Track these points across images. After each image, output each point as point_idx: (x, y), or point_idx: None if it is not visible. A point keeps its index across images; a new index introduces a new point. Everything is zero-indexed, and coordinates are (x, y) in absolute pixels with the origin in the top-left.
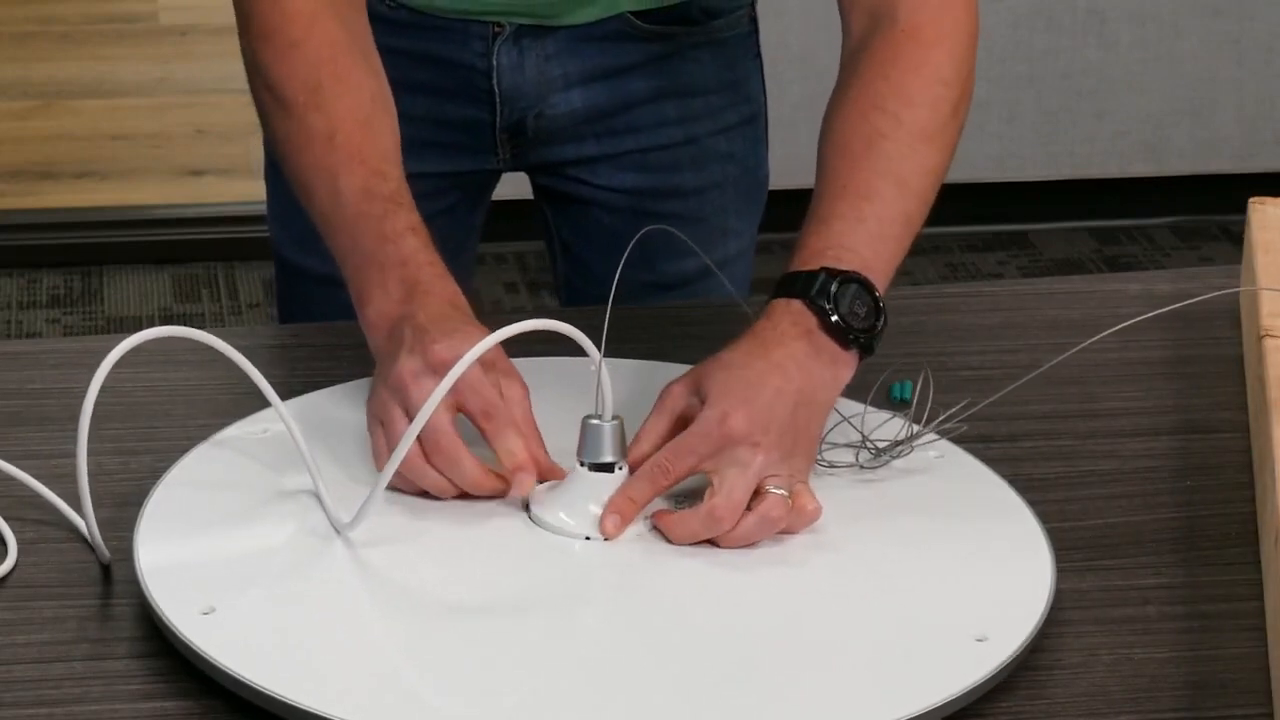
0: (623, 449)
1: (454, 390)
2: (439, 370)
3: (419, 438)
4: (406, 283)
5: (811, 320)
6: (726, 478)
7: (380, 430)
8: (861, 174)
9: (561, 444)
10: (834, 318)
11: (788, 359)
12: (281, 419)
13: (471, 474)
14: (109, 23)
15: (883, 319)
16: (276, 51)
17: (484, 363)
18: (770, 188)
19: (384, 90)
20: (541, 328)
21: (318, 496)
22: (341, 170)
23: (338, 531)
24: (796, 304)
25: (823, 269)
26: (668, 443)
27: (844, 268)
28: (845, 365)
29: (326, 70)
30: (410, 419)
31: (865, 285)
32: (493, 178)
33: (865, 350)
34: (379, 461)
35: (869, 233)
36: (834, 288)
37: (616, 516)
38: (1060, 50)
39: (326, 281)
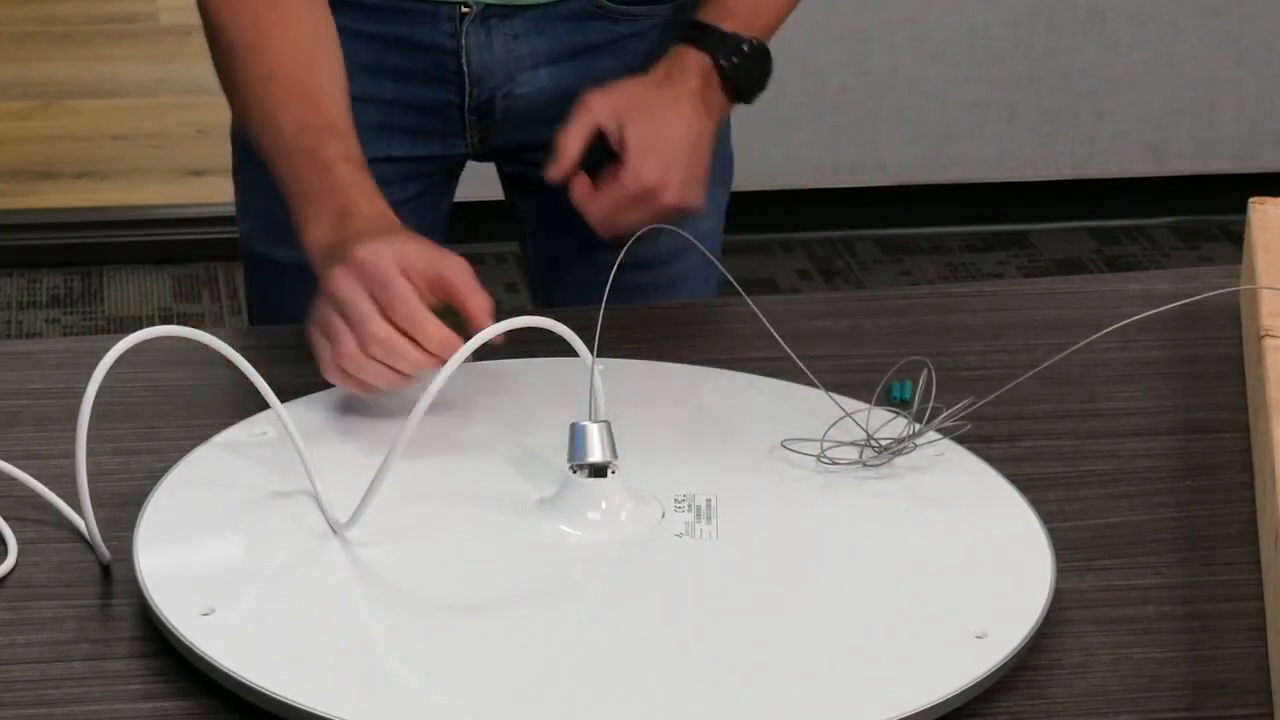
0: (613, 451)
1: (366, 283)
2: (357, 269)
3: (379, 300)
4: (337, 209)
5: (715, 77)
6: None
7: (323, 340)
8: None
9: (559, 442)
10: (730, 70)
11: (695, 114)
12: (279, 419)
13: (434, 331)
14: (109, 23)
15: (768, 82)
16: None
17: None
18: (770, 188)
19: (325, 29)
20: (531, 324)
21: (314, 497)
22: (280, 108)
23: (335, 532)
24: (706, 59)
25: (736, 34)
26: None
27: (751, 35)
28: (723, 112)
29: (265, 11)
30: (343, 318)
31: (765, 55)
32: (460, 164)
33: (746, 102)
34: (324, 368)
35: (775, 6)
36: (745, 50)
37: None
38: (1060, 50)
39: (295, 271)
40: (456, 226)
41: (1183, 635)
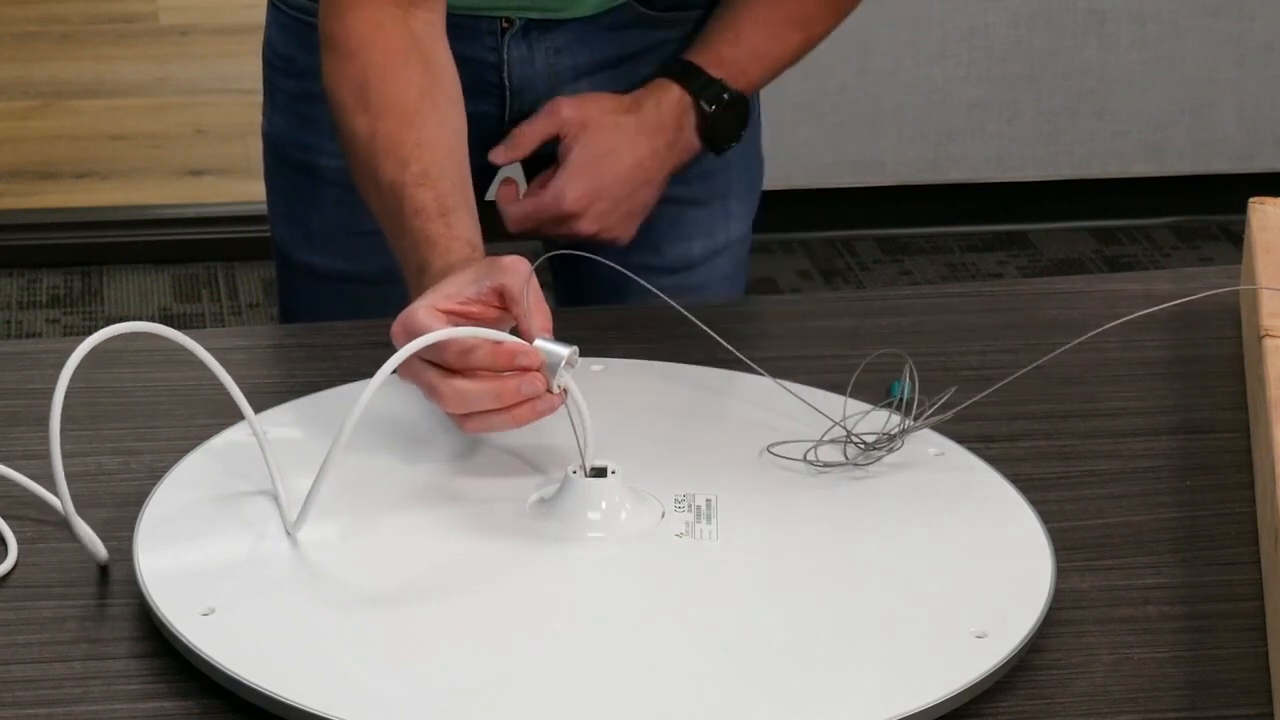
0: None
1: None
2: (400, 342)
3: (438, 361)
4: (415, 272)
5: (692, 117)
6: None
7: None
8: (773, 47)
9: (559, 442)
10: (709, 115)
11: (652, 152)
12: (250, 426)
13: (492, 349)
14: (109, 23)
15: (743, 135)
16: (335, 61)
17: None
18: (770, 188)
19: (437, 86)
20: (464, 335)
21: (274, 496)
22: (379, 167)
23: (287, 532)
24: (688, 99)
25: (721, 81)
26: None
27: (737, 88)
28: (689, 156)
29: (374, 74)
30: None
31: (745, 107)
32: (493, 172)
33: (716, 151)
34: (461, 421)
35: (763, 68)
36: (725, 98)
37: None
38: (1060, 50)
39: (331, 278)
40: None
41: (1183, 635)
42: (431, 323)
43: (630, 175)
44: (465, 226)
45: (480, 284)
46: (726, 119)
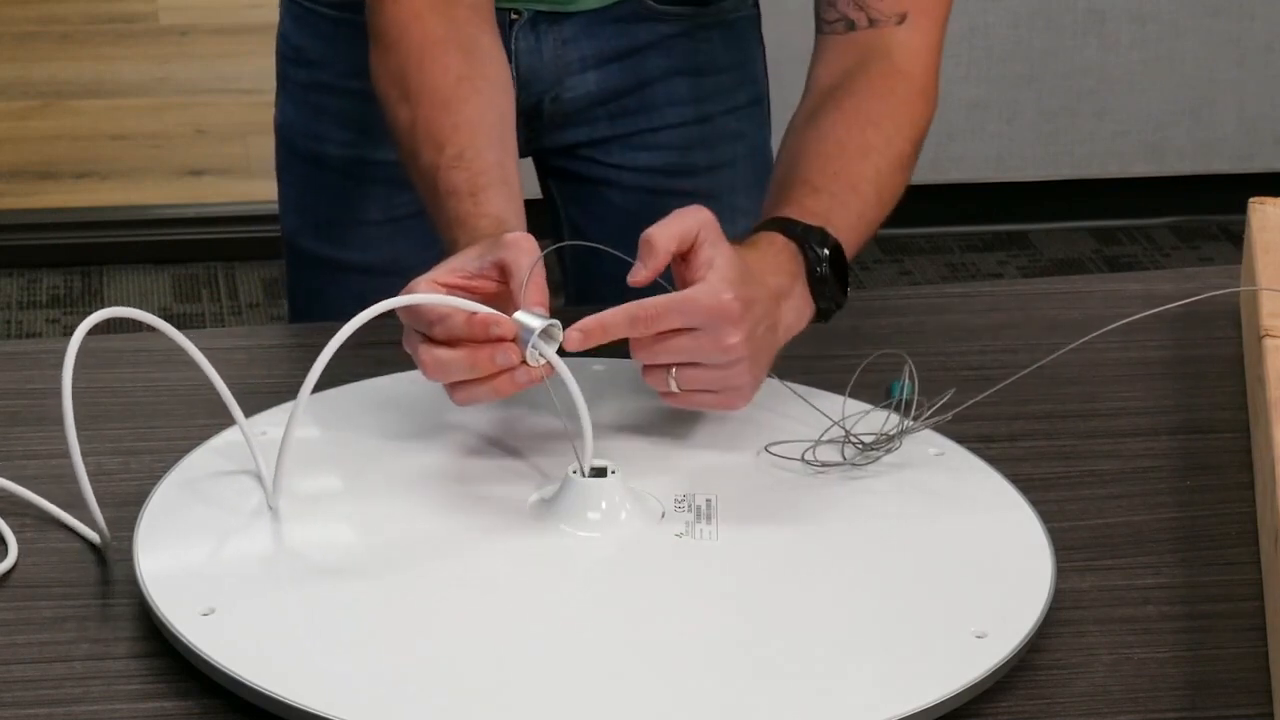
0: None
1: (411, 325)
2: (400, 314)
3: (421, 331)
4: (450, 251)
5: (801, 268)
6: (709, 330)
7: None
8: (853, 171)
9: (559, 442)
10: (820, 269)
11: (778, 289)
12: (240, 429)
13: (468, 319)
14: (109, 23)
15: (845, 299)
16: (379, 54)
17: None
18: None
19: (477, 70)
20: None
21: (258, 476)
22: (419, 153)
23: (270, 506)
24: (793, 246)
25: (823, 228)
26: (662, 297)
27: (835, 238)
28: (806, 318)
29: (412, 63)
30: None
31: (843, 264)
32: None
33: (823, 316)
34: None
35: (849, 222)
36: (826, 252)
37: (581, 335)
38: (1060, 50)
39: (338, 268)
40: None
41: (1183, 635)
42: (423, 291)
43: (770, 303)
44: (495, 204)
45: (483, 259)
46: (837, 274)
